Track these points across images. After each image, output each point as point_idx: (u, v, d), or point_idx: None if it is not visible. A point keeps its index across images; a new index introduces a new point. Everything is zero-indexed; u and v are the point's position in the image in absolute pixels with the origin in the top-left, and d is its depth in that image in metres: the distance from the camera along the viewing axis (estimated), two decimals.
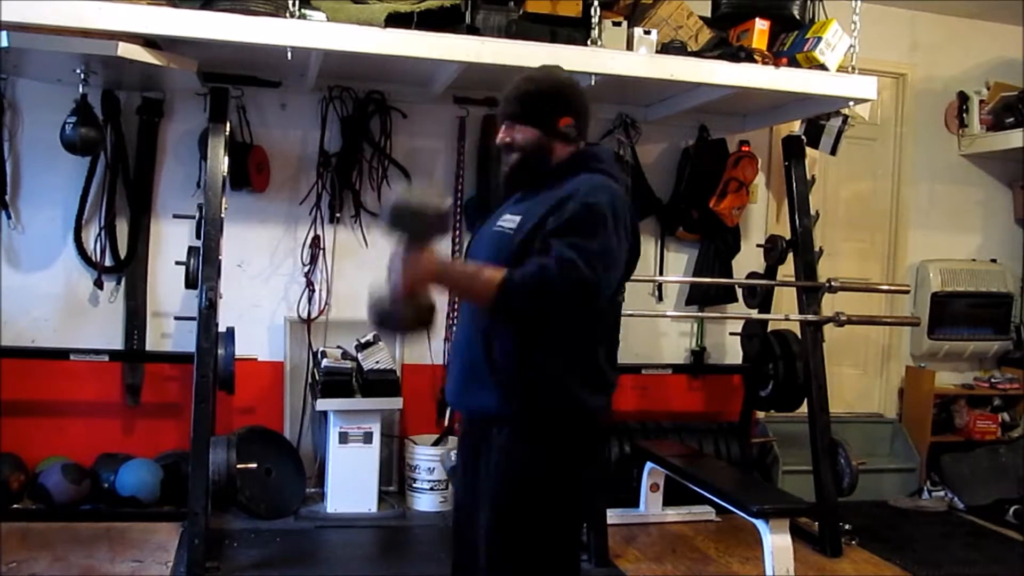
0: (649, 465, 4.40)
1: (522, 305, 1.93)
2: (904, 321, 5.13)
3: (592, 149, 2.22)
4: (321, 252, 4.52)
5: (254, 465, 3.94)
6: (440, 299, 2.01)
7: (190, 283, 3.82)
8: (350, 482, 4.28)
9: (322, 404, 4.23)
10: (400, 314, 1.96)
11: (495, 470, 2.08)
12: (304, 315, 4.52)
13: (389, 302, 1.97)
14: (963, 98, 5.46)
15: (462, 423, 2.38)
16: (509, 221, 2.10)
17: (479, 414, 2.16)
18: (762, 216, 5.18)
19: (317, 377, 4.34)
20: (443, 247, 2.10)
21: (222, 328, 3.81)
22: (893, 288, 5.08)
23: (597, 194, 2.00)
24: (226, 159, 3.83)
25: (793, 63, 4.04)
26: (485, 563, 2.11)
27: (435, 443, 4.44)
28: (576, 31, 3.83)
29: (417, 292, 1.97)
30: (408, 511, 4.41)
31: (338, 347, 4.46)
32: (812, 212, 4.44)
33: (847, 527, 4.30)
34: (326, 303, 4.56)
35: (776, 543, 3.43)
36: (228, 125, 3.93)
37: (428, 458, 4.39)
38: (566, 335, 2.04)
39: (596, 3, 3.77)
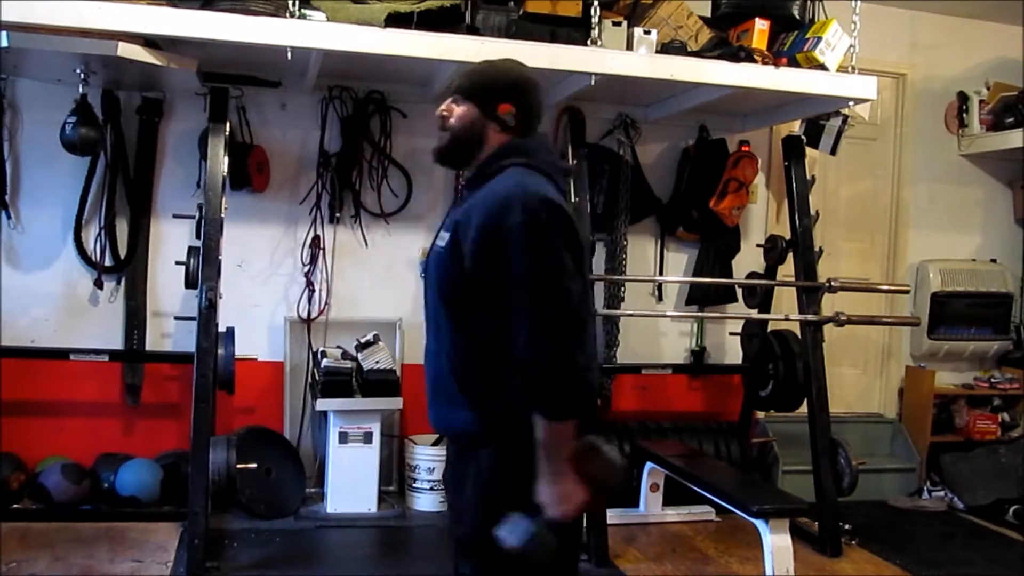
0: (649, 465, 4.40)
1: (567, 389, 1.82)
2: (904, 321, 5.13)
3: (517, 141, 2.04)
4: (321, 252, 4.52)
5: (254, 465, 3.94)
6: None
7: (190, 283, 3.82)
8: (350, 482, 4.28)
9: (322, 404, 4.23)
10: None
11: (480, 489, 1.97)
12: (304, 315, 4.53)
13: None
14: (963, 98, 5.46)
15: (446, 438, 2.27)
16: (442, 239, 2.00)
17: (459, 434, 2.06)
18: (762, 216, 5.18)
19: (317, 377, 4.34)
20: None
21: (222, 328, 3.82)
22: (893, 288, 5.07)
23: (508, 213, 1.84)
24: (226, 159, 3.84)
25: (793, 63, 4.04)
26: None
27: (435, 443, 4.44)
28: (576, 31, 3.83)
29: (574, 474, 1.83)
30: (408, 511, 4.41)
31: (338, 347, 4.46)
32: (812, 212, 4.44)
33: (847, 527, 4.29)
34: (326, 303, 4.56)
35: (776, 543, 3.43)
36: (228, 125, 3.93)
37: (428, 458, 4.39)
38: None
39: (596, 3, 3.77)
